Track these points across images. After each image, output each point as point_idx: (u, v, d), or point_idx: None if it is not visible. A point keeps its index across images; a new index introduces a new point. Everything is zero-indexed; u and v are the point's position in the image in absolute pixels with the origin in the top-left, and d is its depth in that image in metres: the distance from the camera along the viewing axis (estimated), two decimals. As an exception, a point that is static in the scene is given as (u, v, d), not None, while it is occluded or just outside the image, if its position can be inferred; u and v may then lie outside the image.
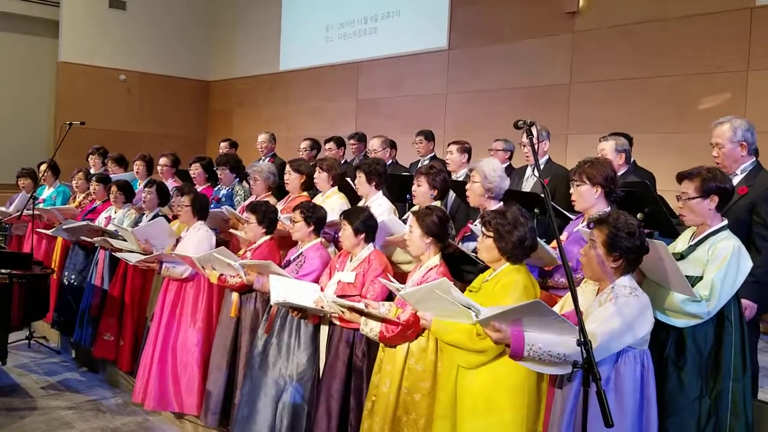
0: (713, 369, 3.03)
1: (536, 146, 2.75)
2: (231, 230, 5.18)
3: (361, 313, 3.63)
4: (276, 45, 12.28)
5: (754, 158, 3.82)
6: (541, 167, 4.96)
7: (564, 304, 2.97)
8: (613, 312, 2.61)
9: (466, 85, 9.42)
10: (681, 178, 3.17)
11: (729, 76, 7.08)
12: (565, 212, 4.15)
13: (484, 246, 3.21)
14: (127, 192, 6.18)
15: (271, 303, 3.97)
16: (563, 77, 8.41)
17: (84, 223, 6.02)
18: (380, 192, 4.76)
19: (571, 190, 3.49)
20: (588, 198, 3.43)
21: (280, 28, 12.23)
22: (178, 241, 5.09)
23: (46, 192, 7.58)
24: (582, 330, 2.21)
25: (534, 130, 2.79)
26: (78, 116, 7.19)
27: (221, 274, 4.47)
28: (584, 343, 2.18)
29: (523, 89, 8.71)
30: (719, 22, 7.13)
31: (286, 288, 3.90)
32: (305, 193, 5.22)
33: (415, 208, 4.47)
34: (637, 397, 2.66)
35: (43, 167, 7.51)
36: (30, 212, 6.62)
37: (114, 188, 6.19)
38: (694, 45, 7.30)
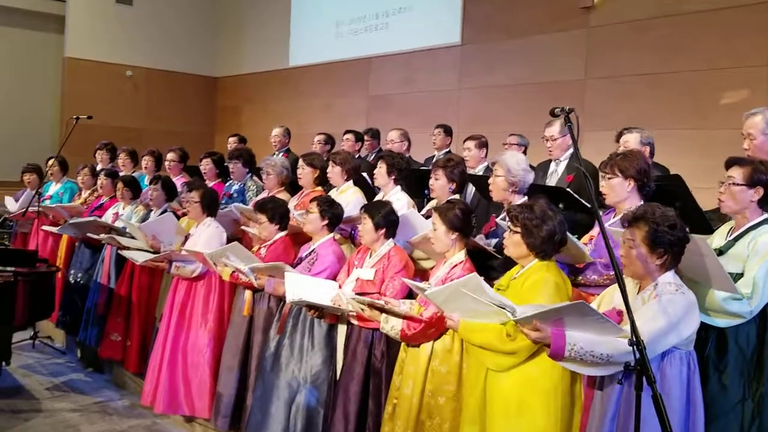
0: (756, 370, 2.87)
1: (576, 134, 2.57)
2: (243, 227, 5.03)
3: (381, 310, 3.48)
4: (285, 40, 12.12)
5: None
6: (565, 162, 4.80)
7: (600, 303, 2.81)
8: (657, 310, 2.45)
9: (480, 81, 9.25)
10: (731, 163, 3.03)
11: (748, 71, 6.90)
12: (588, 206, 3.98)
13: (511, 242, 3.05)
14: (133, 188, 6.04)
15: (287, 302, 3.81)
16: (578, 73, 8.24)
17: (92, 219, 5.88)
18: (399, 187, 4.61)
19: (602, 183, 3.34)
20: (620, 191, 3.28)
21: (290, 23, 12.05)
22: (186, 238, 4.94)
23: (53, 188, 7.44)
24: (634, 329, 2.04)
25: (573, 117, 2.64)
26: (84, 112, 7.03)
27: (234, 271, 4.32)
28: (637, 342, 2.01)
29: (537, 85, 8.55)
30: (737, 16, 6.96)
31: (302, 286, 3.75)
32: (319, 188, 5.07)
33: (433, 203, 4.34)
34: (683, 401, 2.51)
35: (50, 162, 7.37)
36: (35, 209, 6.50)
37: (120, 184, 6.06)
38: (712, 40, 7.12)
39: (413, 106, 9.82)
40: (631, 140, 4.47)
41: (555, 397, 2.84)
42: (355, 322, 3.74)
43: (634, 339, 2.03)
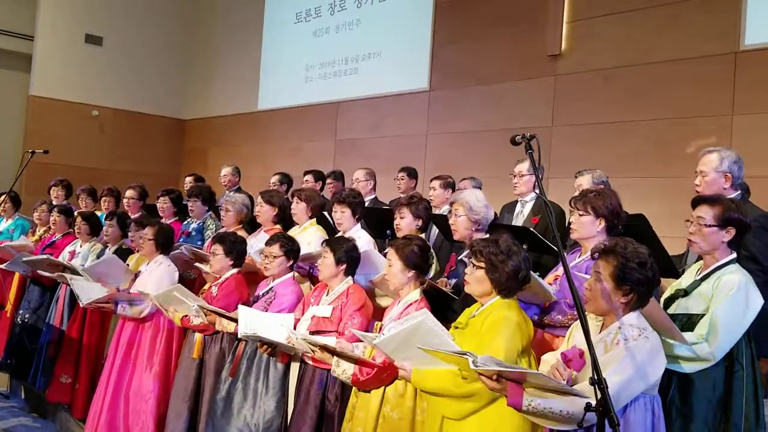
0: (722, 418, 2.73)
1: (538, 162, 2.47)
2: (196, 264, 4.83)
3: (333, 352, 3.29)
4: (255, 83, 12.09)
5: (739, 193, 3.62)
6: (531, 203, 4.73)
7: (568, 342, 2.66)
8: (623, 358, 2.31)
9: (447, 126, 9.25)
10: (699, 201, 2.93)
11: (713, 120, 6.97)
12: (555, 248, 3.88)
13: (474, 278, 2.90)
14: (92, 223, 5.82)
15: (239, 335, 3.61)
16: (545, 120, 8.27)
17: (44, 257, 5.64)
18: (358, 225, 4.49)
19: (571, 218, 3.24)
20: (590, 229, 3.19)
21: (260, 66, 12.07)
22: (137, 275, 4.72)
23: (4, 224, 7.18)
24: (596, 367, 1.90)
25: (534, 144, 2.54)
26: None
27: (184, 315, 4.11)
28: (598, 381, 1.86)
29: (504, 131, 8.54)
30: (703, 66, 7.05)
31: (255, 320, 3.56)
32: (278, 227, 4.91)
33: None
34: (648, 450, 2.34)
35: (2, 198, 7.12)
36: (-18, 246, 6.24)
37: (79, 219, 5.85)
38: (678, 89, 7.20)
39: (381, 151, 9.77)
40: (584, 182, 4.44)
41: (516, 444, 2.67)
42: (309, 361, 3.55)
43: (596, 377, 1.88)
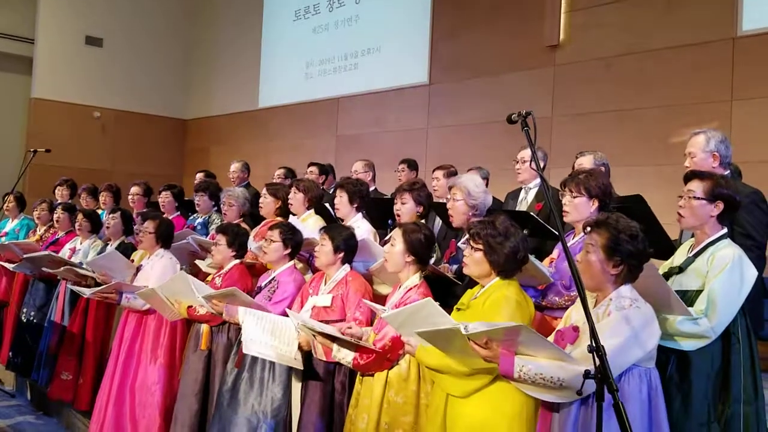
0: (722, 391, 2.75)
1: (534, 137, 2.49)
2: (196, 261, 4.85)
3: (333, 339, 3.31)
4: (255, 82, 12.14)
5: (729, 173, 3.65)
6: (535, 190, 4.74)
7: (566, 321, 2.69)
8: (617, 323, 2.33)
9: (447, 120, 9.28)
10: (691, 176, 2.96)
11: (713, 107, 6.97)
12: (554, 231, 3.90)
13: (472, 260, 2.91)
14: (93, 220, 5.85)
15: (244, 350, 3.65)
16: (545, 110, 8.27)
17: (46, 253, 5.67)
18: (360, 214, 4.50)
19: (564, 201, 3.25)
20: (583, 210, 3.22)
21: (260, 65, 12.11)
22: (138, 270, 4.75)
23: (9, 225, 7.22)
24: (594, 334, 1.92)
25: (531, 122, 2.56)
26: (49, 153, 6.90)
27: (190, 306, 4.13)
28: (597, 348, 1.88)
29: (504, 123, 8.42)
30: (701, 53, 7.06)
31: (258, 328, 3.58)
32: (280, 219, 4.94)
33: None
34: (645, 422, 2.35)
35: (7, 199, 7.16)
36: (-13, 246, 6.28)
37: (80, 216, 5.87)
38: (677, 76, 7.21)
39: (381, 146, 9.80)
40: (586, 162, 4.45)
41: (520, 422, 2.68)
42: (323, 358, 3.50)
43: (593, 345, 1.90)
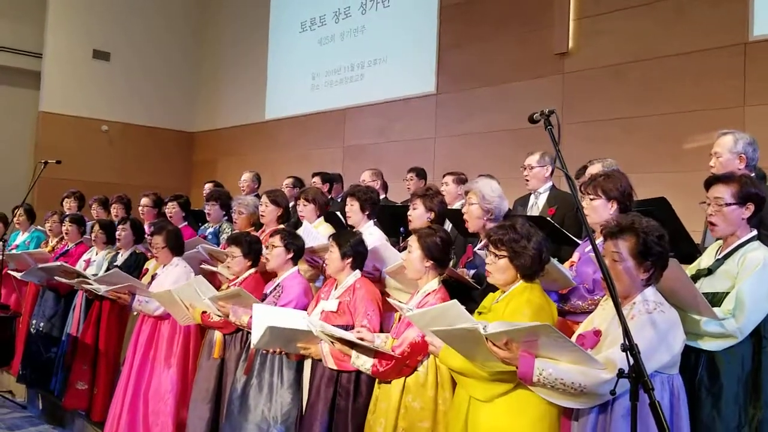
0: (753, 394, 2.69)
1: (558, 136, 2.46)
2: (207, 266, 4.82)
3: (352, 345, 3.27)
4: (261, 94, 12.15)
5: (753, 175, 3.60)
6: (546, 194, 4.70)
7: (587, 326, 2.64)
8: (644, 325, 2.28)
9: (456, 129, 9.24)
10: (713, 181, 2.89)
11: (725, 113, 6.92)
12: (573, 237, 3.86)
13: (496, 268, 2.85)
14: (109, 232, 5.83)
15: (252, 346, 3.61)
16: (554, 118, 8.25)
17: (59, 264, 5.66)
18: (371, 222, 4.47)
19: (584, 203, 3.21)
20: (602, 213, 3.16)
21: (266, 76, 12.12)
22: (153, 278, 4.73)
23: (20, 237, 7.23)
24: (627, 333, 1.87)
25: (554, 119, 2.53)
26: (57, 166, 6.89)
27: (204, 312, 4.10)
28: (630, 347, 1.83)
29: (513, 131, 8.53)
30: (712, 58, 7.02)
31: (271, 317, 3.54)
32: (282, 226, 4.92)
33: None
34: (666, 431, 2.29)
35: (17, 212, 7.16)
36: (-1, 257, 6.26)
37: (96, 227, 5.86)
38: (688, 83, 7.17)
39: (389, 156, 9.77)
40: (595, 171, 4.39)
41: (542, 428, 2.64)
42: (333, 367, 3.47)
43: (627, 344, 1.85)
